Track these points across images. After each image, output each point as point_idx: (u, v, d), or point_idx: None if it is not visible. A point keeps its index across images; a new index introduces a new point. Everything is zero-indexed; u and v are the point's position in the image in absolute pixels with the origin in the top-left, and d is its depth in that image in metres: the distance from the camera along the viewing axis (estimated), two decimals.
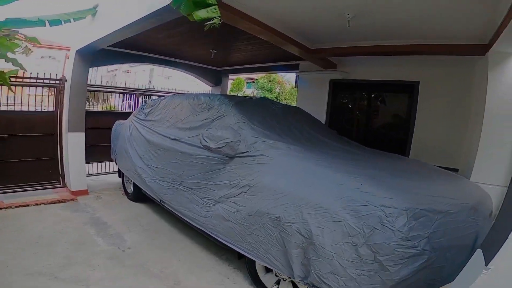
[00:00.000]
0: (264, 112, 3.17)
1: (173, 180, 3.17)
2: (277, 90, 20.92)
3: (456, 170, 3.76)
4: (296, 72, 5.83)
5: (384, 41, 3.71)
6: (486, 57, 3.28)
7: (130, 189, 4.48)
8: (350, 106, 5.42)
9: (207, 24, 1.94)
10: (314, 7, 2.87)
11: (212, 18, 1.92)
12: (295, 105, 5.16)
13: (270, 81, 21.15)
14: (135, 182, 4.00)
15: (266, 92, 19.96)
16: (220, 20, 1.94)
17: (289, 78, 22.05)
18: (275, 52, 5.10)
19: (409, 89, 4.57)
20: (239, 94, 17.91)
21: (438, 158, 3.97)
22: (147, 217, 3.92)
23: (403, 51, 3.78)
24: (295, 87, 6.22)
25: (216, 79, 8.01)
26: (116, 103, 9.21)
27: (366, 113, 5.17)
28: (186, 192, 2.96)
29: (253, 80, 22.70)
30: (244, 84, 22.06)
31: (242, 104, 3.08)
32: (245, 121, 2.73)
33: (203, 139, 2.54)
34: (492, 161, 3.16)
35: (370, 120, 5.14)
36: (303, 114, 3.83)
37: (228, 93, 9.52)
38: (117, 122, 4.88)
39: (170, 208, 3.28)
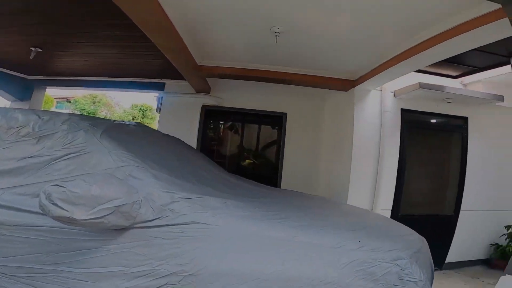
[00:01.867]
0: (151, 146, 2.18)
1: None
2: (103, 113, 17.87)
3: None
4: (159, 93, 4.85)
5: (271, 66, 3.56)
6: (349, 92, 3.82)
7: None
8: (223, 136, 5.03)
9: None
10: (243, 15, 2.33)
11: None
12: None
13: (94, 102, 17.76)
14: None
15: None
16: None
17: (119, 100, 19.42)
18: (138, 64, 4.00)
19: (279, 121, 4.78)
20: None
21: (302, 186, 4.14)
22: None
23: (278, 79, 3.73)
24: (156, 111, 5.17)
25: (24, 91, 5.50)
26: None
27: (240, 144, 4.95)
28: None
29: (69, 98, 18.28)
30: (54, 102, 17.35)
31: (117, 132, 1.96)
32: (138, 164, 1.66)
33: (54, 204, 1.28)
34: (361, 188, 3.64)
35: (243, 151, 4.95)
36: (189, 147, 3.09)
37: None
38: None
39: None
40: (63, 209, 1.25)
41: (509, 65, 2.75)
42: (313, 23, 2.38)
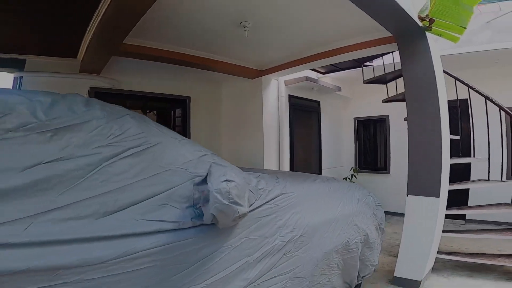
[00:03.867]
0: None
1: None
2: None
3: None
4: (16, 73, 3.44)
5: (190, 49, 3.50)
6: (255, 80, 4.46)
7: None
8: None
9: None
10: None
11: None
12: None
13: None
14: None
15: None
16: None
17: None
18: None
19: (183, 104, 4.73)
20: None
21: None
22: None
23: (195, 63, 3.70)
24: None
25: None
26: None
27: None
28: None
29: None
30: None
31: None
32: (210, 151, 1.62)
33: (235, 202, 1.21)
34: (271, 159, 4.49)
35: None
36: None
37: None
38: None
39: None
40: (243, 206, 1.22)
41: (360, 68, 4.33)
42: (272, 23, 2.77)
